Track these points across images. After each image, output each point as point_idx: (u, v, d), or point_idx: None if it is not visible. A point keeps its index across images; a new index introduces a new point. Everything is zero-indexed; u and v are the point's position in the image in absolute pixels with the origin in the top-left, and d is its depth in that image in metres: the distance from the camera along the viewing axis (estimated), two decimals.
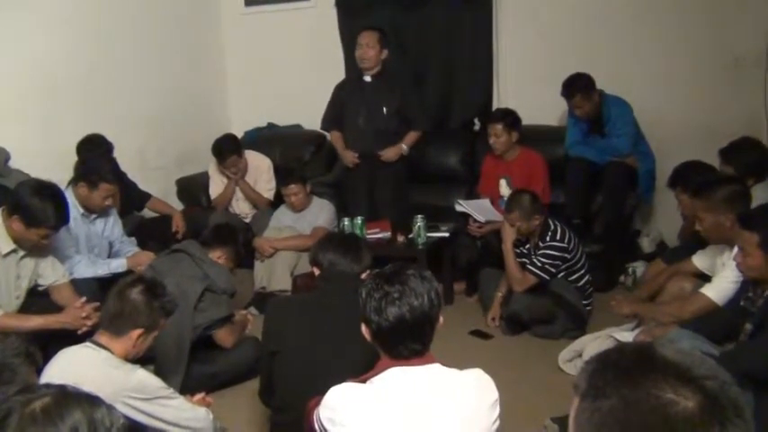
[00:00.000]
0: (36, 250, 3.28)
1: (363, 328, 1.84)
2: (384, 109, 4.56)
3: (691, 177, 3.53)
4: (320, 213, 4.63)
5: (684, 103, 4.83)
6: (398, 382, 1.76)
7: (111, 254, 3.95)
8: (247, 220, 5.00)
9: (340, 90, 4.80)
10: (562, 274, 3.84)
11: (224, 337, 3.36)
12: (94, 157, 4.09)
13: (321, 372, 2.18)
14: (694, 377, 0.85)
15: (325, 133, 5.30)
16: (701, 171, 3.64)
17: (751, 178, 3.56)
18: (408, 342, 1.77)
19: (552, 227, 3.84)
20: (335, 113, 4.79)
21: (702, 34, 4.76)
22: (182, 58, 5.65)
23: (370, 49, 4.55)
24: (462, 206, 4.60)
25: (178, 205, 5.27)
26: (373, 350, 1.87)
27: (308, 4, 5.80)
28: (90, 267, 3.68)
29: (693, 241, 3.51)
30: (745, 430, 0.84)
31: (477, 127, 5.39)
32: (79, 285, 3.45)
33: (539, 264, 3.80)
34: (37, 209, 3.10)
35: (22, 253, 3.23)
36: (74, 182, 3.78)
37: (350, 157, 4.72)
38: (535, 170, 4.56)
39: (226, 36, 6.13)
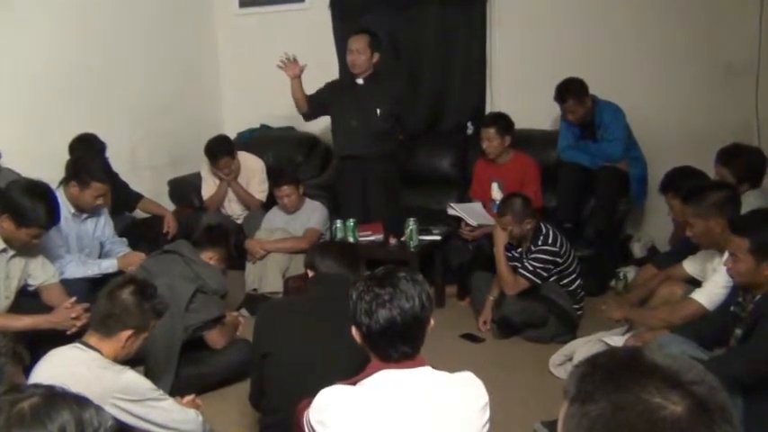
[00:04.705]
0: (26, 250, 3.27)
1: (354, 330, 1.83)
2: (377, 111, 4.57)
3: (682, 183, 3.54)
4: (312, 215, 4.62)
5: (676, 109, 4.85)
6: (388, 385, 1.76)
7: (102, 254, 3.94)
8: (239, 222, 5.00)
9: (331, 88, 4.76)
10: (553, 278, 3.85)
11: (215, 338, 3.35)
12: (86, 156, 4.07)
13: (311, 374, 2.18)
14: (683, 382, 0.86)
15: (319, 137, 5.32)
16: (693, 176, 3.65)
17: (746, 183, 3.58)
18: (399, 345, 1.77)
19: (544, 231, 3.85)
20: (316, 98, 4.71)
21: (694, 41, 4.79)
22: (175, 59, 5.64)
23: (360, 54, 4.55)
24: (454, 209, 4.61)
25: (170, 206, 5.26)
26: (363, 352, 1.86)
27: (303, 6, 5.80)
28: (80, 267, 3.66)
29: (684, 246, 3.52)
30: None
31: (469, 130, 5.39)
32: (69, 286, 3.43)
33: (530, 268, 3.81)
34: (28, 208, 3.09)
35: (11, 252, 3.21)
36: (65, 181, 3.77)
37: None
38: (527, 174, 4.57)
39: (220, 37, 6.13)
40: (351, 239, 4.26)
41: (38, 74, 4.48)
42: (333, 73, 5.46)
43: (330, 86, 4.77)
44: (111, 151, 4.50)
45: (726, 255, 2.82)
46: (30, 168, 3.85)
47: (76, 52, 4.76)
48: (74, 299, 3.12)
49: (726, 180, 3.56)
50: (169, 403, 2.39)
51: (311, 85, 4.93)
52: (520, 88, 5.21)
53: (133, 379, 2.31)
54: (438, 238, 4.41)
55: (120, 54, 5.11)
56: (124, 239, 4.09)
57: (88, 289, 3.43)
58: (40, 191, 3.17)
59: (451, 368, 1.85)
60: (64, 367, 2.20)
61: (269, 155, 5.42)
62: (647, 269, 3.94)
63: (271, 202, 4.92)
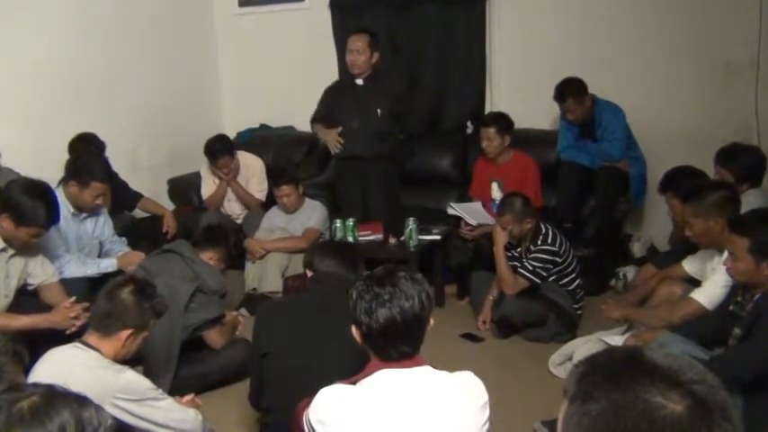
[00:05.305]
0: (26, 249, 3.27)
1: (353, 329, 1.83)
2: (378, 111, 4.57)
3: (681, 182, 3.54)
4: (312, 215, 4.62)
5: (676, 108, 4.85)
6: (388, 384, 1.76)
7: (102, 254, 3.94)
8: (238, 221, 5.00)
9: (331, 93, 4.78)
10: (553, 277, 3.85)
11: (214, 338, 3.35)
12: (86, 155, 4.07)
13: (311, 373, 2.18)
14: (682, 381, 0.86)
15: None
16: (692, 176, 3.65)
17: (746, 182, 3.57)
18: (398, 344, 1.77)
19: (544, 230, 3.85)
20: (323, 113, 4.77)
21: (694, 39, 4.79)
22: (175, 58, 5.64)
23: (360, 55, 4.55)
24: (454, 209, 4.61)
25: (169, 205, 5.26)
26: (363, 352, 1.86)
27: (302, 5, 5.80)
28: (80, 267, 3.66)
29: (684, 246, 3.52)
30: None
31: (469, 130, 5.39)
32: (69, 285, 3.43)
33: (530, 267, 3.81)
34: (27, 207, 3.09)
35: (11, 252, 3.21)
36: (65, 180, 3.77)
37: (333, 137, 4.61)
38: (527, 174, 4.57)
39: (219, 36, 6.13)
40: (350, 239, 4.26)
41: (38, 74, 4.48)
42: (332, 72, 5.46)
43: (329, 92, 4.78)
44: (111, 151, 4.50)
45: (725, 254, 2.82)
46: (29, 168, 3.85)
47: (76, 52, 4.76)
48: (73, 298, 3.12)
49: (726, 180, 3.56)
50: (169, 403, 2.39)
51: (311, 86, 4.96)
52: (520, 88, 5.21)
53: (133, 378, 2.30)
54: (438, 237, 4.41)
55: (120, 53, 5.10)
56: (124, 239, 4.09)
57: (87, 288, 3.43)
58: (39, 190, 3.17)
59: (451, 368, 1.85)
60: (63, 366, 2.19)
61: (268, 154, 5.41)
62: (646, 269, 3.95)
63: (270, 201, 4.92)
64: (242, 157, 5.12)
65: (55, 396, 1.14)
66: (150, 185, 5.15)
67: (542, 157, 4.73)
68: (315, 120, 4.85)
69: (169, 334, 3.13)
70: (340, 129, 4.61)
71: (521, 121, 4.74)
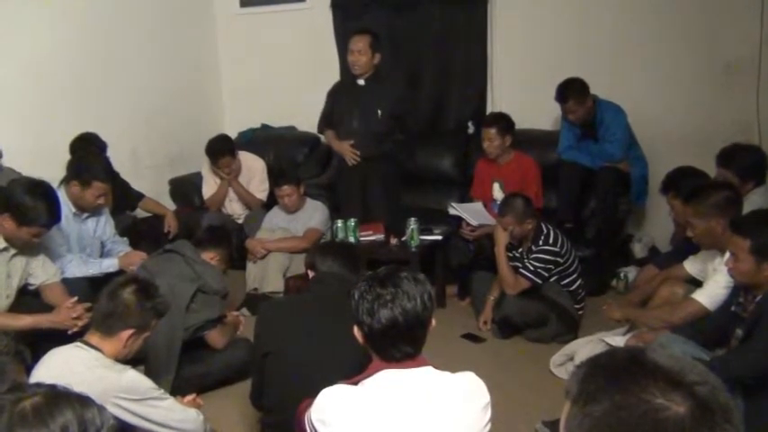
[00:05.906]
0: (27, 249, 3.27)
1: (355, 330, 1.83)
2: (378, 112, 4.57)
3: (683, 183, 3.54)
4: (313, 215, 4.63)
5: (677, 109, 4.85)
6: (390, 385, 1.76)
7: (103, 253, 3.93)
8: (240, 221, 5.00)
9: (333, 95, 4.79)
10: (554, 278, 3.85)
11: (215, 338, 3.35)
12: (88, 155, 4.07)
13: (313, 373, 2.18)
14: (685, 382, 0.86)
15: (320, 136, 5.31)
16: (694, 177, 3.65)
17: (750, 182, 3.57)
18: (400, 345, 1.77)
19: (545, 231, 3.85)
20: (331, 117, 4.80)
21: (695, 40, 4.79)
22: (176, 58, 5.65)
23: (362, 55, 4.54)
24: (455, 209, 4.61)
25: (171, 205, 5.26)
26: (365, 352, 1.87)
27: (304, 6, 5.80)
28: (81, 267, 3.66)
29: (685, 246, 3.52)
30: None
31: (470, 130, 5.39)
32: (70, 285, 3.43)
33: (531, 267, 3.81)
34: (29, 207, 3.09)
35: (13, 251, 3.21)
36: (66, 180, 3.76)
37: (347, 148, 4.62)
38: (528, 174, 4.57)
39: (221, 36, 6.13)
40: (352, 239, 4.26)
41: (39, 73, 4.48)
42: (333, 72, 5.46)
43: (331, 94, 4.78)
44: (112, 150, 4.51)
45: (727, 255, 2.82)
46: (31, 167, 3.86)
47: (78, 51, 4.77)
48: (75, 298, 3.12)
49: (728, 181, 3.55)
50: (170, 402, 2.39)
51: (312, 86, 4.95)
52: (521, 88, 5.21)
53: (135, 378, 2.31)
54: (439, 237, 4.41)
55: (121, 54, 5.11)
56: (125, 239, 4.09)
57: (89, 288, 3.43)
58: (41, 190, 3.17)
59: (452, 368, 1.85)
60: (65, 366, 2.20)
61: (270, 154, 5.42)
62: (647, 269, 3.95)
63: (271, 201, 4.92)
64: (243, 157, 5.13)
65: (57, 396, 1.14)
66: (151, 185, 5.16)
67: (543, 157, 4.73)
68: (324, 126, 4.85)
69: (170, 334, 3.13)
70: (352, 141, 4.61)
71: (522, 122, 4.74)
